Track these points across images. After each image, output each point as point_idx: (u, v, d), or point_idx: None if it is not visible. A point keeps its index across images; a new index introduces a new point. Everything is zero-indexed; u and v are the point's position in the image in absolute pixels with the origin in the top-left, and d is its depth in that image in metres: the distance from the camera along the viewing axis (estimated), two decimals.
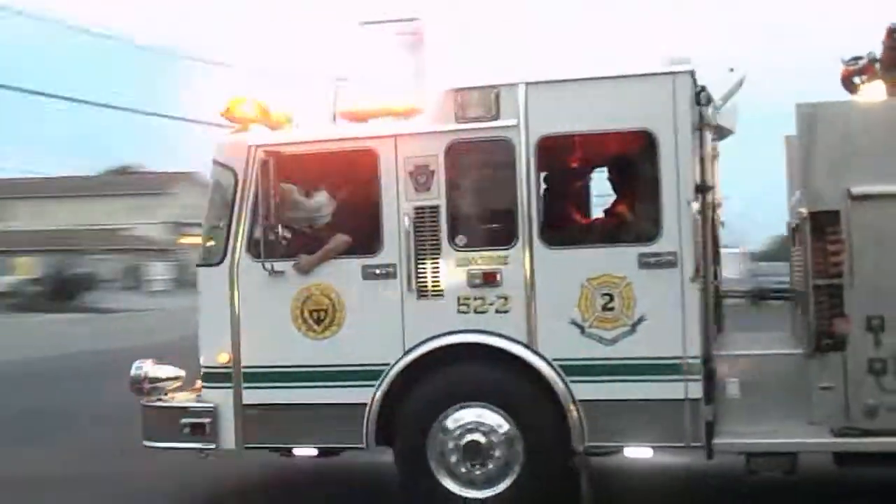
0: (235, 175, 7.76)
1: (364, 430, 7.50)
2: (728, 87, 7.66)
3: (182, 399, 8.02)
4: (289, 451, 7.96)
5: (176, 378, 8.13)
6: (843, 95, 7.79)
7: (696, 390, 7.11)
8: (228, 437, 7.78)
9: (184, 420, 7.83)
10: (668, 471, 8.44)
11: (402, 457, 7.59)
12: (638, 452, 7.40)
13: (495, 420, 7.40)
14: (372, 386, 7.48)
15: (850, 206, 7.05)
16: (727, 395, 7.34)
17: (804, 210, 7.19)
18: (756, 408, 7.32)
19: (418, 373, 7.48)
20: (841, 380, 7.10)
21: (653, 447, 7.32)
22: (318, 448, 7.86)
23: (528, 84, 7.34)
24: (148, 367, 8.07)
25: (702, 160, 7.27)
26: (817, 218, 7.14)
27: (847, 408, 7.08)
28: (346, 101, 7.83)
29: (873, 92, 7.59)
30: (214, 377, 7.82)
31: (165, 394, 8.09)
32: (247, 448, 7.82)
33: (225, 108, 7.94)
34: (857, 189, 7.03)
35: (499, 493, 7.42)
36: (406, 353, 7.45)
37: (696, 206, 7.11)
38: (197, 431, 7.80)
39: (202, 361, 7.91)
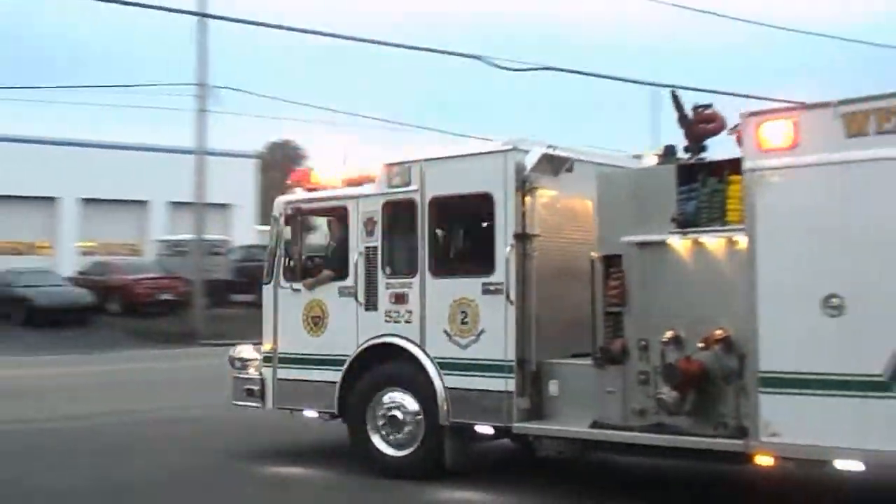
0: (277, 223, 11.56)
1: (335, 401, 10.86)
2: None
3: (252, 373, 11.89)
4: (301, 411, 11.49)
5: (257, 358, 11.98)
6: None
7: (511, 385, 9.57)
8: (269, 400, 11.53)
9: (246, 387, 11.74)
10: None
11: (350, 424, 10.81)
12: (484, 429, 9.93)
13: (409, 400, 10.38)
14: (340, 370, 10.82)
15: (627, 251, 9.11)
16: (549, 392, 9.66)
17: (595, 253, 9.34)
18: (568, 404, 9.55)
19: (364, 363, 10.68)
20: (620, 386, 9.13)
21: (489, 426, 9.84)
22: (315, 412, 11.30)
23: (423, 161, 10.33)
24: (241, 349, 12.08)
25: (522, 218, 9.65)
26: (605, 259, 9.26)
27: (624, 409, 9.10)
28: (338, 170, 11.29)
29: (648, 160, 9.46)
30: (266, 359, 11.62)
31: (249, 369, 11.99)
32: (277, 409, 11.53)
33: (294, 174, 11.79)
34: (631, 238, 9.08)
35: (411, 453, 10.36)
36: (357, 348, 10.70)
37: (514, 249, 9.58)
38: (253, 395, 11.66)
39: (262, 348, 11.75)
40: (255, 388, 11.64)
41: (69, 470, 11.38)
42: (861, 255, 7.67)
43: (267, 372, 11.57)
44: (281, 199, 11.65)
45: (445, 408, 9.98)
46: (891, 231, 7.55)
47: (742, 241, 8.30)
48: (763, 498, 9.53)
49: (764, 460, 8.19)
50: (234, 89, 33.66)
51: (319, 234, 11.81)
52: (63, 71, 72.52)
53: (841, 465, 7.87)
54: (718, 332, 8.45)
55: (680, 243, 8.81)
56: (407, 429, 10.36)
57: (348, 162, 11.50)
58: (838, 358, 7.69)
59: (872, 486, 8.47)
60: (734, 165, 8.44)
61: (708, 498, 9.84)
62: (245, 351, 12.05)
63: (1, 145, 44.34)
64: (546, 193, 9.83)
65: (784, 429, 7.92)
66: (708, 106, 9.42)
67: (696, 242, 8.74)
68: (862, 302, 7.61)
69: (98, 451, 12.52)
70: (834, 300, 7.70)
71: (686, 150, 9.42)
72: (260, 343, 11.84)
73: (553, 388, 9.66)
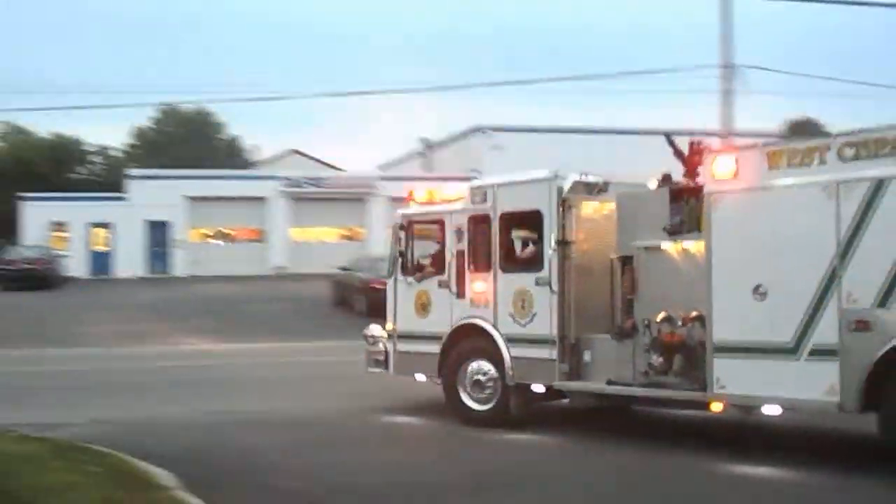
0: (396, 231, 15.06)
1: (437, 368, 14.27)
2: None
3: (380, 347, 15.41)
4: (413, 377, 14.93)
5: (383, 334, 15.47)
6: None
7: (554, 354, 12.75)
8: (391, 368, 15.07)
9: (375, 358, 15.33)
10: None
11: (446, 386, 14.17)
12: (537, 388, 13.12)
13: (489, 367, 13.68)
14: (440, 344, 14.22)
15: (636, 253, 12.17)
16: (584, 359, 12.80)
17: (614, 254, 12.42)
18: (596, 368, 12.66)
19: (456, 338, 14.05)
20: (630, 354, 12.19)
21: (543, 385, 13.02)
22: (424, 377, 14.70)
23: (496, 185, 13.64)
24: (372, 328, 15.64)
25: (563, 228, 12.78)
26: (621, 259, 12.33)
27: (633, 371, 12.16)
28: (439, 191, 14.67)
29: (651, 181, 12.44)
30: (389, 336, 15.15)
31: (378, 343, 15.52)
32: (397, 374, 15.05)
33: (409, 193, 15.28)
34: (638, 243, 12.14)
35: (494, 406, 13.65)
36: (451, 327, 14.08)
37: (556, 252, 12.75)
38: (380, 364, 15.23)
39: (386, 327, 15.27)
40: (381, 358, 15.22)
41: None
42: (777, 255, 10.50)
43: (389, 346, 15.10)
44: (399, 212, 15.17)
45: (511, 372, 13.24)
46: (795, 238, 10.35)
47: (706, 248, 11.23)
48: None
49: (716, 407, 11.13)
50: (759, 68, 31.56)
51: (426, 240, 15.18)
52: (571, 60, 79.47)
53: (766, 409, 10.75)
54: (694, 312, 11.41)
55: (670, 247, 11.81)
56: (488, 389, 13.66)
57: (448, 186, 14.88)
58: (763, 331, 10.55)
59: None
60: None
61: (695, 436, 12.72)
62: (375, 329, 15.61)
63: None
64: (580, 209, 12.94)
65: (729, 383, 10.83)
66: (700, 141, 12.33)
67: (680, 246, 11.72)
68: (778, 290, 10.45)
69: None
70: (760, 288, 10.57)
71: (684, 176, 12.37)
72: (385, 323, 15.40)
73: (587, 356, 12.77)
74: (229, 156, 66.75)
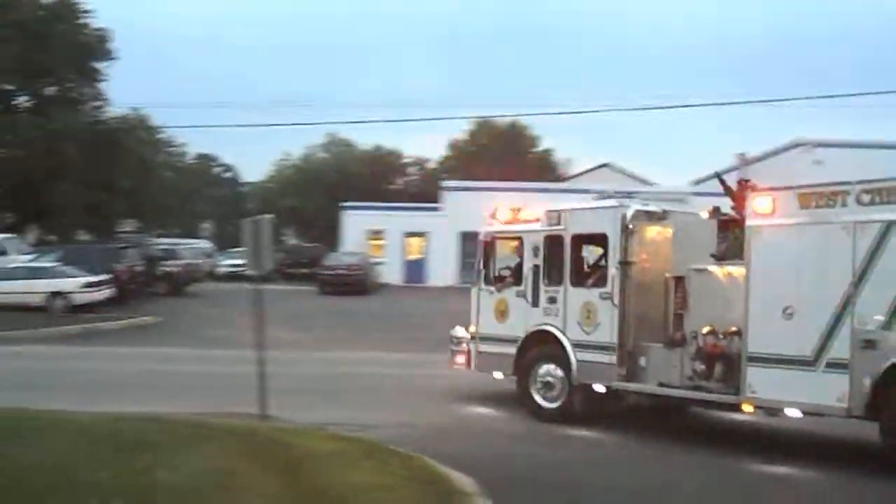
0: (481, 246, 17.15)
1: (513, 368, 16.31)
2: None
3: (463, 347, 17.49)
4: (491, 374, 16.96)
5: (466, 336, 17.54)
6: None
7: (614, 359, 14.72)
8: (473, 365, 17.16)
9: (457, 358, 17.43)
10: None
11: (519, 385, 16.19)
12: (598, 388, 15.08)
13: (556, 370, 15.68)
14: (515, 346, 16.26)
15: (688, 274, 14.09)
16: (639, 364, 14.73)
17: (668, 274, 14.35)
18: (650, 372, 14.58)
19: (530, 343, 16.08)
20: (679, 360, 14.11)
21: (603, 385, 14.97)
22: (501, 374, 16.73)
23: (568, 210, 15.65)
24: (457, 329, 17.73)
25: (625, 251, 14.74)
26: (675, 279, 14.26)
27: (681, 376, 14.07)
28: (521, 211, 16.69)
29: (703, 213, 14.33)
30: (472, 338, 17.22)
31: (462, 344, 17.61)
32: (478, 371, 17.12)
33: (492, 212, 17.35)
34: (690, 265, 14.06)
35: (561, 405, 15.64)
36: (525, 332, 16.11)
37: (619, 271, 14.73)
38: (461, 363, 17.33)
39: (469, 330, 17.32)
40: (464, 358, 17.32)
41: None
42: (803, 282, 12.35)
43: (472, 346, 17.19)
44: (483, 230, 17.26)
45: (576, 373, 15.24)
46: (818, 267, 12.18)
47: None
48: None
49: (747, 408, 13.00)
50: None
51: (506, 255, 17.23)
52: None
53: (788, 412, 12.58)
54: (733, 327, 13.29)
55: (716, 270, 13.71)
56: (556, 389, 15.65)
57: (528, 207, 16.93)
58: (788, 345, 12.38)
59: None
60: None
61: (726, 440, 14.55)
62: (459, 331, 17.71)
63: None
64: (641, 234, 14.89)
65: (759, 388, 12.69)
66: (748, 180, 14.20)
67: (725, 270, 13.62)
68: (803, 311, 12.29)
69: None
70: (788, 309, 12.42)
71: (732, 209, 14.26)
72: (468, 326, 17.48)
73: (642, 361, 14.70)
74: (542, 169, 67.39)
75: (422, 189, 64.38)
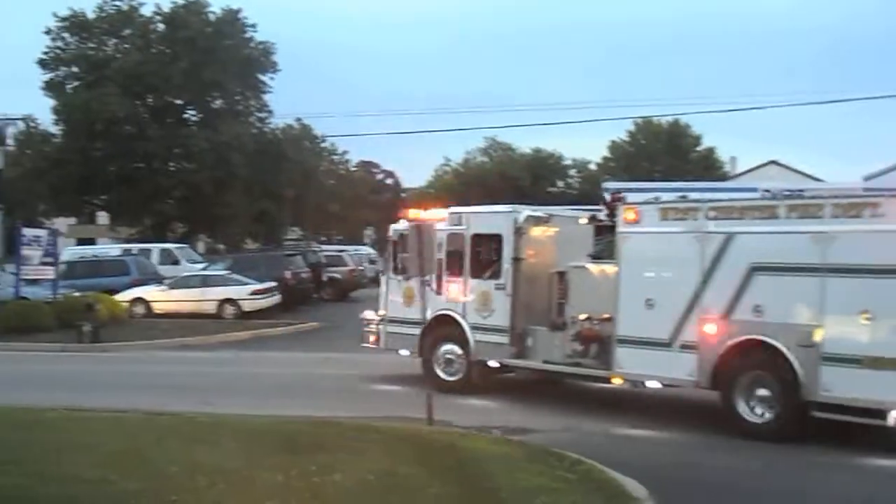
0: (391, 241, 19.78)
1: (417, 347, 19.00)
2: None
3: (373, 328, 20.11)
4: (397, 352, 19.64)
5: (376, 318, 20.14)
6: None
7: (506, 339, 17.56)
8: (381, 343, 19.81)
9: (368, 338, 20.07)
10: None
11: (423, 361, 18.91)
12: (492, 363, 17.91)
13: (456, 349, 18.43)
14: (420, 327, 18.93)
15: (568, 270, 16.99)
16: (527, 344, 17.60)
17: (552, 270, 17.24)
18: (536, 351, 17.47)
19: (433, 325, 18.78)
20: (560, 341, 17.02)
21: (497, 361, 17.81)
22: (407, 352, 19.39)
23: (469, 213, 18.43)
24: (367, 313, 20.36)
25: (517, 248, 17.56)
26: (558, 274, 17.16)
27: (562, 354, 16.99)
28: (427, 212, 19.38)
29: (582, 218, 17.29)
30: (381, 320, 19.85)
31: (371, 325, 20.23)
32: (386, 349, 19.78)
33: (401, 212, 19.97)
34: (570, 263, 16.96)
35: (460, 378, 18.41)
36: (430, 316, 18.79)
37: (511, 266, 17.54)
38: (372, 342, 19.98)
39: (378, 313, 19.96)
40: (374, 337, 19.96)
41: None
42: (661, 279, 15.37)
43: (381, 327, 19.84)
44: (392, 227, 19.88)
45: (473, 351, 18.03)
46: (674, 268, 15.21)
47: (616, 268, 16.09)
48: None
49: (616, 381, 16.00)
50: None
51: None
52: None
53: (649, 384, 15.64)
54: (605, 315, 16.26)
55: (592, 267, 16.66)
56: (456, 365, 18.43)
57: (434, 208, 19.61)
58: (650, 330, 15.38)
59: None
60: None
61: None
62: (369, 314, 20.34)
63: None
64: (530, 235, 17.74)
65: (626, 364, 15.68)
66: (620, 194, 17.18)
67: (599, 268, 16.58)
68: (661, 302, 15.29)
69: None
70: (650, 301, 15.41)
71: (605, 216, 17.23)
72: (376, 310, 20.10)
73: (529, 342, 17.59)
74: (706, 168, 66.81)
75: (583, 191, 63.46)
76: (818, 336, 13.43)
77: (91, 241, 56.56)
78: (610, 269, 16.31)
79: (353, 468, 9.77)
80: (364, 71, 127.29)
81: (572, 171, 76.22)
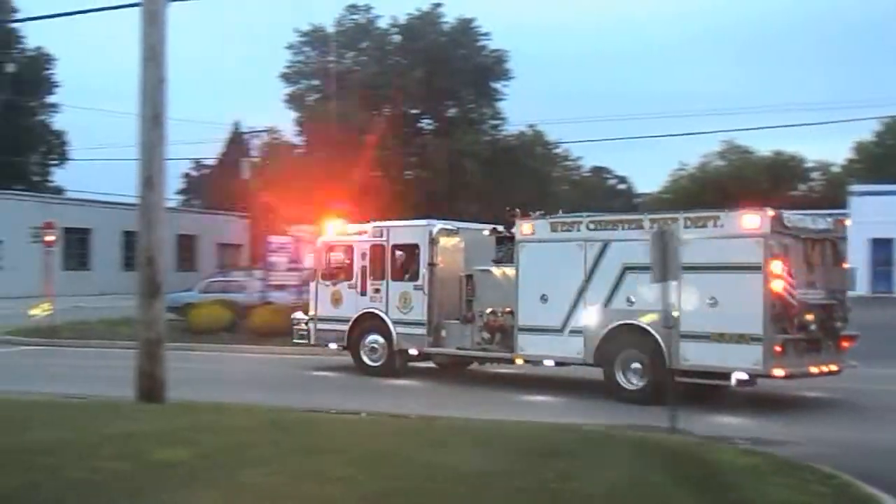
0: (318, 251, 23.21)
1: (345, 340, 22.50)
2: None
3: (301, 327, 23.50)
4: (327, 346, 23.09)
5: (305, 318, 23.53)
6: None
7: (423, 331, 21.22)
8: (311, 340, 23.22)
9: (300, 334, 23.48)
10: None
11: (352, 351, 22.43)
12: (412, 351, 21.55)
13: (380, 339, 22.01)
14: (347, 324, 22.43)
15: (475, 273, 20.74)
16: (442, 335, 21.29)
17: (461, 273, 20.97)
18: (450, 340, 21.17)
19: (359, 321, 22.30)
20: (470, 332, 20.73)
21: (416, 349, 21.46)
22: (336, 345, 22.87)
23: (390, 226, 22.04)
24: (297, 314, 23.74)
25: (431, 256, 21.23)
26: (467, 276, 20.89)
27: (472, 342, 20.72)
28: (352, 226, 22.91)
29: (486, 230, 21.12)
30: (310, 319, 23.26)
31: (301, 324, 23.61)
32: (316, 344, 23.21)
33: (323, 227, 23.42)
34: (477, 267, 20.72)
35: (383, 363, 21.98)
36: (356, 313, 22.31)
37: (427, 270, 21.20)
38: (303, 338, 23.39)
39: (308, 314, 23.37)
40: (304, 334, 23.36)
41: None
42: (554, 279, 19.23)
43: (311, 326, 23.24)
44: (320, 239, 23.31)
45: (396, 342, 21.63)
46: (563, 269, 19.06)
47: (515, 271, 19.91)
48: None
49: (518, 361, 19.85)
50: None
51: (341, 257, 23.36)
52: None
53: (546, 363, 19.52)
54: (508, 308, 20.06)
55: (495, 270, 20.46)
56: (379, 353, 21.98)
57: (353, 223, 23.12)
58: (545, 319, 19.23)
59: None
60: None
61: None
62: (299, 315, 23.72)
63: None
64: (442, 244, 21.44)
65: (527, 348, 19.51)
66: (513, 210, 21.00)
67: (502, 271, 20.39)
68: (553, 297, 19.14)
69: None
70: (545, 297, 19.26)
71: (504, 228, 21.05)
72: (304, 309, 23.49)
73: (444, 332, 21.28)
74: None
75: (825, 194, 61.63)
76: (677, 318, 17.48)
77: None
78: (510, 271, 20.10)
79: (593, 474, 9.65)
80: (594, 76, 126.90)
81: (814, 174, 73.74)
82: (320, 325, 23.10)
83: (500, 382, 21.48)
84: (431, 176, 48.64)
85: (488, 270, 20.65)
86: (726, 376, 17.15)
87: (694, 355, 17.28)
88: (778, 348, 16.68)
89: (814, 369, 17.47)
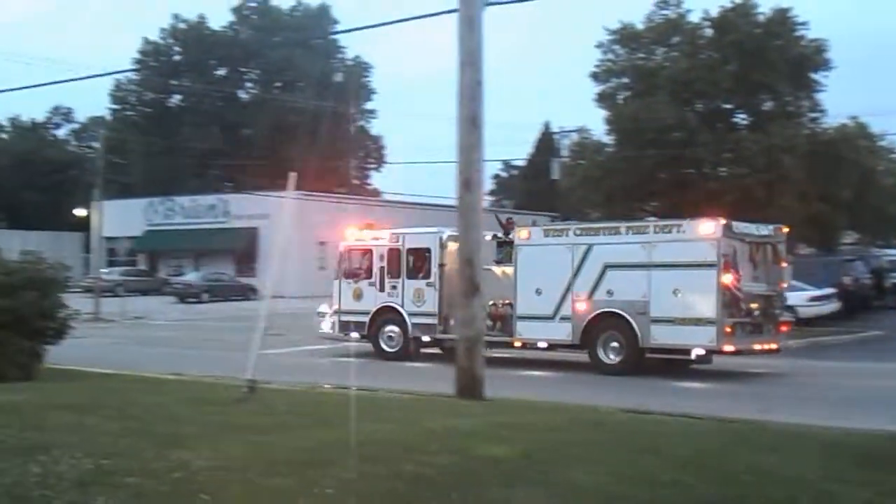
0: (342, 253, 27.32)
1: (367, 330, 26.60)
2: None
3: (328, 319, 27.55)
4: (349, 336, 27.16)
5: (329, 311, 27.57)
6: None
7: (436, 321, 25.39)
8: (336, 330, 27.28)
9: (323, 326, 27.54)
10: None
11: (371, 339, 26.53)
12: (425, 338, 25.69)
13: (396, 329, 26.14)
14: (368, 316, 26.52)
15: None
16: (451, 324, 25.46)
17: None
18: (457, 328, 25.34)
19: (379, 314, 26.41)
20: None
21: (429, 336, 25.61)
22: (357, 335, 26.93)
23: (405, 233, 26.22)
24: (322, 307, 27.79)
25: (441, 258, 25.40)
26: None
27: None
28: (371, 232, 27.02)
29: (488, 236, 25.41)
30: (334, 312, 27.32)
31: (325, 316, 27.65)
32: (338, 333, 27.28)
33: (345, 232, 27.55)
34: (483, 266, 24.93)
35: (398, 350, 26.11)
36: (375, 307, 26.42)
37: (438, 269, 25.37)
38: (328, 329, 27.46)
39: (332, 307, 27.43)
40: (329, 325, 27.41)
41: None
42: (546, 275, 23.48)
43: (335, 318, 27.29)
44: (341, 243, 27.39)
45: (410, 331, 25.76)
46: (555, 268, 23.31)
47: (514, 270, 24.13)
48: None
49: (518, 344, 24.08)
50: None
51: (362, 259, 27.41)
52: None
53: (540, 344, 23.77)
54: (508, 300, 24.29)
55: (496, 269, 24.68)
56: (396, 340, 26.09)
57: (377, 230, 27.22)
58: (539, 308, 23.50)
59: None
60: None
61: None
62: (324, 307, 27.76)
63: None
64: (451, 248, 25.59)
65: (524, 332, 23.76)
66: (511, 218, 25.24)
67: (502, 269, 24.62)
68: (546, 291, 23.41)
69: None
70: (539, 290, 23.53)
71: (503, 234, 25.29)
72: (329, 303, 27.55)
73: (453, 322, 25.41)
74: None
75: None
76: (648, 306, 21.76)
77: None
78: (508, 269, 24.35)
79: None
80: None
81: None
82: (343, 318, 27.12)
83: (496, 363, 25.58)
84: (747, 172, 46.11)
85: (490, 269, 24.84)
86: (687, 352, 21.50)
87: (661, 335, 21.63)
88: (728, 329, 21.04)
89: (757, 347, 21.92)
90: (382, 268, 26.46)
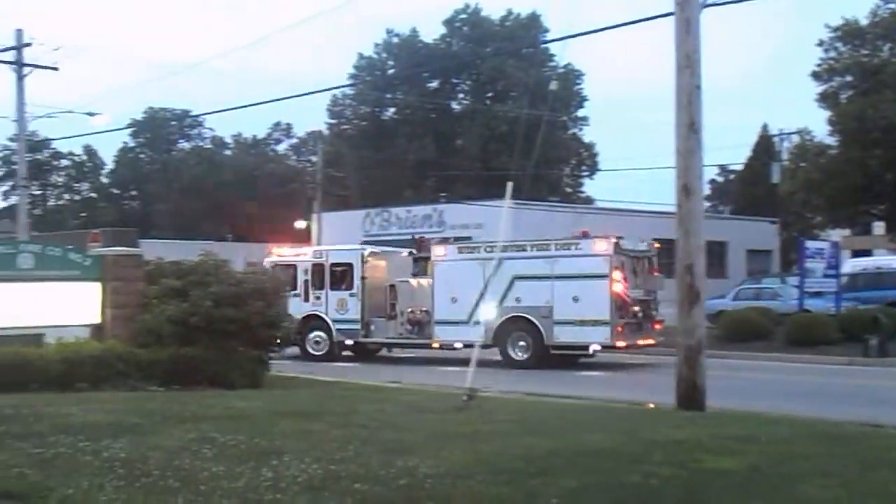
0: (268, 269, 30.55)
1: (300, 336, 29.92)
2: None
3: None
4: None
5: None
6: None
7: (358, 326, 28.98)
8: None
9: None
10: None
11: (299, 344, 29.81)
12: (349, 342, 29.24)
13: (322, 334, 29.55)
14: (295, 324, 29.82)
15: (397, 283, 28.65)
16: (371, 329, 29.09)
17: (387, 283, 28.87)
18: (378, 332, 28.99)
19: (305, 321, 29.76)
20: (395, 326, 28.60)
21: (352, 340, 29.16)
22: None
23: (329, 250, 29.70)
24: None
25: (363, 271, 29.01)
26: (390, 286, 28.79)
27: (396, 332, 28.60)
28: (294, 249, 30.37)
29: (404, 253, 29.18)
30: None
31: None
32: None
33: (269, 249, 30.79)
34: (398, 279, 28.63)
35: (324, 352, 29.50)
36: (301, 315, 29.75)
37: (360, 282, 28.97)
38: None
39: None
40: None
41: None
42: (461, 286, 27.37)
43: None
44: (265, 259, 30.61)
45: (335, 336, 29.25)
46: (468, 280, 27.20)
47: (430, 281, 27.96)
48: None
49: (435, 345, 27.93)
50: None
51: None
52: None
53: (456, 345, 27.65)
54: (424, 308, 28.13)
55: (413, 281, 28.50)
56: (322, 344, 29.49)
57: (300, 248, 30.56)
58: (455, 314, 27.37)
59: None
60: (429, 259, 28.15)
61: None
62: None
63: None
64: (371, 263, 29.24)
65: (441, 335, 27.61)
66: (423, 237, 29.08)
67: (418, 281, 28.45)
68: (461, 299, 27.30)
69: None
70: (455, 299, 27.43)
71: (417, 250, 29.12)
72: None
73: (373, 327, 29.08)
74: None
75: None
76: (552, 311, 25.91)
77: (867, 253, 54.79)
78: (424, 281, 28.19)
79: None
80: None
81: None
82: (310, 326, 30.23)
83: (407, 362, 29.47)
84: None
85: (407, 281, 28.63)
86: (586, 348, 25.83)
87: (563, 335, 25.90)
88: (619, 328, 25.46)
89: (641, 342, 26.41)
90: (307, 281, 29.81)
